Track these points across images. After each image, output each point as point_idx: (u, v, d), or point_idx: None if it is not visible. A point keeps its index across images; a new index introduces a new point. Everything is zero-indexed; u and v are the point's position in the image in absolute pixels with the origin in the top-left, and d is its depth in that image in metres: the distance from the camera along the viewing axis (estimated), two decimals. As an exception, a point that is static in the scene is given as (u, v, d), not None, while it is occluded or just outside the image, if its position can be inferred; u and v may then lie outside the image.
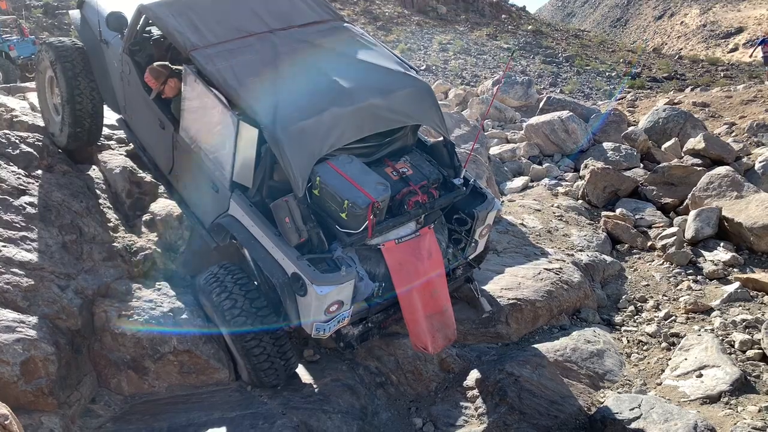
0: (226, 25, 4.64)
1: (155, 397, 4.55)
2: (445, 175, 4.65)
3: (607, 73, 26.22)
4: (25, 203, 4.90)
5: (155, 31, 5.42)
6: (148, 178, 5.82)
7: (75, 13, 5.91)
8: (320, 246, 4.08)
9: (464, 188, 4.68)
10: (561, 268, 5.95)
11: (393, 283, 4.31)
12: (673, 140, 10.00)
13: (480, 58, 27.37)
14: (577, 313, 5.82)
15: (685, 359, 5.02)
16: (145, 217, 5.43)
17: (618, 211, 7.68)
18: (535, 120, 10.46)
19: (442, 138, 4.81)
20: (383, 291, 4.38)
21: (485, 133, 10.11)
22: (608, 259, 6.63)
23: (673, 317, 5.86)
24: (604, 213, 7.64)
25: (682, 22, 52.86)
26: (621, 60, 29.54)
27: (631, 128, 10.29)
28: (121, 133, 6.23)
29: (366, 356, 5.07)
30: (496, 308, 5.32)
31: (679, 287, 6.36)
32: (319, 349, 5.17)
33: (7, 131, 5.51)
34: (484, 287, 5.48)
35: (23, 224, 4.75)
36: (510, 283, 5.59)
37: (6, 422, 2.52)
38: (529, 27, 36.24)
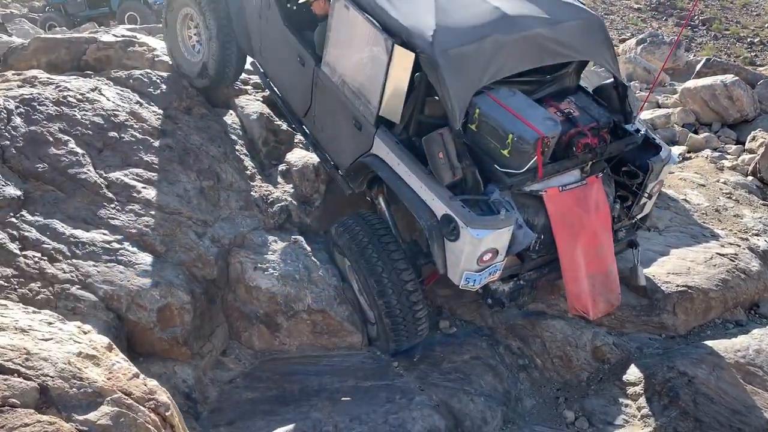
0: None
1: (285, 355, 4.35)
2: (616, 120, 4.08)
3: (749, 39, 23.62)
4: (165, 145, 4.77)
5: None
6: (285, 126, 5.57)
7: None
8: (475, 187, 3.67)
9: (638, 135, 4.09)
10: (736, 254, 5.15)
11: (554, 235, 3.83)
12: None
13: (607, 18, 25.49)
14: (755, 308, 5.04)
15: None
16: (281, 167, 5.19)
17: (799, 192, 6.63)
18: (692, 83, 9.30)
19: (612, 79, 4.21)
20: (541, 245, 3.91)
21: (636, 94, 9.15)
22: (790, 247, 5.70)
23: None
24: (781, 193, 6.62)
25: None
26: (766, 25, 26.51)
27: (808, 98, 8.93)
28: (257, 78, 6.00)
29: (507, 334, 4.61)
30: (655, 290, 4.67)
31: None
32: (454, 321, 4.77)
33: (149, 70, 5.41)
34: (646, 269, 4.81)
35: (163, 166, 4.62)
36: (677, 267, 4.88)
37: (167, 413, 2.29)
38: (665, -14, 33.42)
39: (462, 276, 3.69)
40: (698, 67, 10.57)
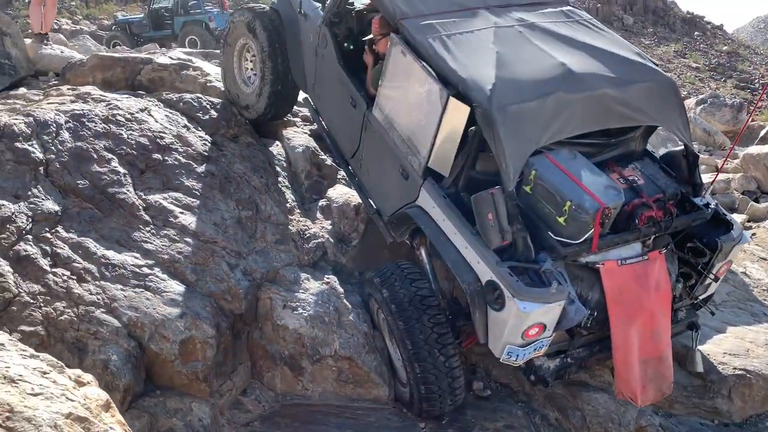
0: None
1: (307, 401, 4.13)
2: (683, 192, 3.80)
3: (822, 105, 22.88)
4: (207, 171, 4.70)
5: (357, 4, 5.09)
6: (329, 161, 5.47)
7: None
8: (525, 253, 3.38)
9: (708, 211, 3.79)
10: (801, 339, 4.75)
11: (608, 313, 3.52)
12: None
13: (664, 77, 25.12)
14: (820, 401, 4.62)
15: None
16: (322, 202, 5.06)
17: None
18: (755, 149, 8.93)
19: (682, 147, 3.95)
20: (593, 321, 3.60)
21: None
22: None
23: None
24: None
25: None
26: (827, 93, 25.67)
27: None
28: (307, 111, 5.94)
29: (545, 403, 4.30)
30: (710, 371, 4.31)
31: None
32: (489, 384, 4.48)
33: (200, 95, 5.40)
34: (700, 345, 4.47)
35: (203, 193, 4.55)
36: (735, 348, 4.52)
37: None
38: (725, 47, 32.90)
39: (504, 349, 3.41)
40: (762, 132, 10.19)
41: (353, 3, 5.06)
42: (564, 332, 3.65)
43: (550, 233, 3.41)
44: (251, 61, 5.40)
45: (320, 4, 4.91)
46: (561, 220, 3.36)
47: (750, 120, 12.16)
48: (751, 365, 4.40)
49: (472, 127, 3.51)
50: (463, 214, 3.58)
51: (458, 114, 3.50)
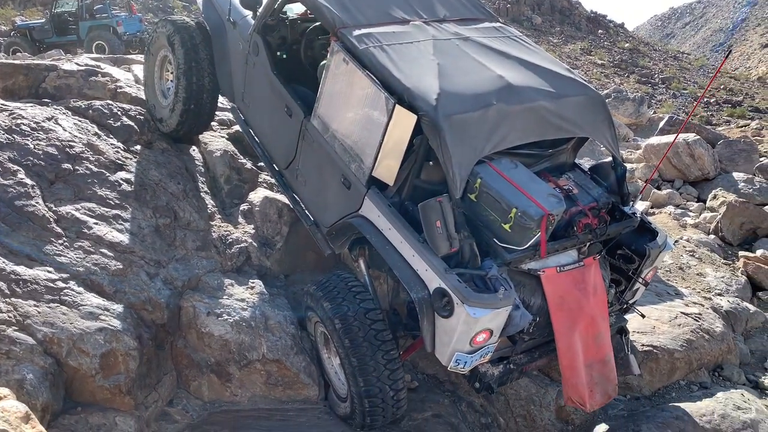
0: (377, 9, 4.12)
1: (236, 407, 4.09)
2: (614, 201, 3.92)
3: (705, 99, 24.56)
4: (121, 179, 4.56)
5: (290, 14, 5.03)
6: (249, 165, 5.43)
7: None
8: (472, 261, 3.40)
9: (636, 218, 3.94)
10: (700, 314, 5.13)
11: (551, 319, 3.60)
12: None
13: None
14: (718, 370, 4.99)
15: None
16: (243, 206, 5.02)
17: (759, 252, 6.71)
18: (656, 140, 9.53)
19: (610, 158, 4.08)
20: (535, 327, 3.66)
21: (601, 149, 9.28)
22: (751, 308, 5.73)
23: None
24: (742, 253, 6.69)
25: (793, 52, 49.25)
26: (722, 86, 27.63)
27: (766, 160, 9.19)
28: (223, 115, 5.87)
29: (470, 391, 4.44)
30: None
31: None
32: (416, 374, 4.59)
33: (110, 101, 5.25)
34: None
35: (117, 202, 4.41)
36: (642, 326, 4.82)
37: None
38: (626, 45, 34.78)
39: (452, 356, 3.39)
40: (661, 124, 10.86)
41: (286, 12, 4.97)
42: (506, 339, 3.66)
43: (495, 240, 3.46)
44: (172, 73, 5.20)
45: (251, 12, 4.76)
46: (506, 226, 3.40)
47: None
48: (657, 341, 4.72)
49: (419, 136, 3.51)
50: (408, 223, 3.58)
51: (404, 122, 3.48)
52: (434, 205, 3.34)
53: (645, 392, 4.56)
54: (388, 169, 3.64)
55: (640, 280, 4.02)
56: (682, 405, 4.35)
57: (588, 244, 3.77)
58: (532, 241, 3.41)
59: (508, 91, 3.61)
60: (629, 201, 4.03)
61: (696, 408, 4.30)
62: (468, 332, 3.30)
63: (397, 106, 3.48)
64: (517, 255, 3.44)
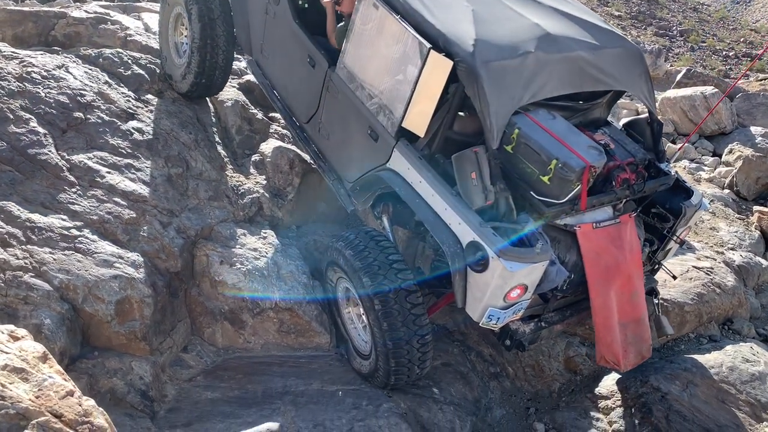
0: None
1: (249, 353, 4.17)
2: (650, 158, 3.80)
3: (724, 52, 23.94)
4: (133, 128, 4.55)
5: None
6: (260, 115, 5.39)
7: None
8: (508, 215, 3.29)
9: (671, 176, 3.85)
10: (712, 268, 5.12)
11: (586, 276, 3.49)
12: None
13: (589, 25, 25.56)
14: (728, 323, 5.02)
15: None
16: (255, 157, 5.00)
17: (774, 207, 6.65)
18: (672, 93, 9.33)
19: (646, 114, 3.96)
20: (569, 285, 3.57)
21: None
22: (764, 262, 5.71)
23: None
24: (756, 208, 6.63)
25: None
26: (742, 39, 26.89)
27: (786, 114, 8.99)
28: (234, 65, 5.78)
29: (479, 341, 4.51)
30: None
31: None
32: (427, 325, 4.63)
33: (120, 50, 5.18)
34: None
35: (129, 151, 4.41)
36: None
37: None
38: (644, -5, 33.77)
39: (484, 312, 3.28)
40: (678, 77, 10.62)
41: None
42: (537, 296, 3.57)
43: (531, 193, 3.35)
44: (185, 35, 5.03)
45: None
46: (545, 179, 3.29)
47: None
48: (668, 294, 4.72)
49: (454, 84, 3.38)
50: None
51: (439, 69, 3.32)
52: (470, 155, 3.25)
53: (654, 345, 4.58)
54: (419, 120, 3.49)
55: (675, 238, 3.92)
56: (692, 357, 4.39)
57: (624, 200, 3.66)
58: (572, 194, 3.32)
59: (546, 39, 3.48)
60: (665, 158, 3.93)
61: (705, 360, 4.33)
62: (503, 287, 3.20)
63: (432, 51, 3.31)
64: (555, 209, 3.33)
